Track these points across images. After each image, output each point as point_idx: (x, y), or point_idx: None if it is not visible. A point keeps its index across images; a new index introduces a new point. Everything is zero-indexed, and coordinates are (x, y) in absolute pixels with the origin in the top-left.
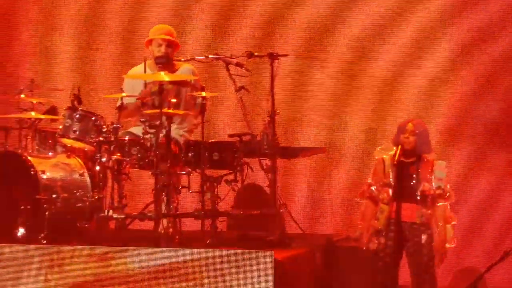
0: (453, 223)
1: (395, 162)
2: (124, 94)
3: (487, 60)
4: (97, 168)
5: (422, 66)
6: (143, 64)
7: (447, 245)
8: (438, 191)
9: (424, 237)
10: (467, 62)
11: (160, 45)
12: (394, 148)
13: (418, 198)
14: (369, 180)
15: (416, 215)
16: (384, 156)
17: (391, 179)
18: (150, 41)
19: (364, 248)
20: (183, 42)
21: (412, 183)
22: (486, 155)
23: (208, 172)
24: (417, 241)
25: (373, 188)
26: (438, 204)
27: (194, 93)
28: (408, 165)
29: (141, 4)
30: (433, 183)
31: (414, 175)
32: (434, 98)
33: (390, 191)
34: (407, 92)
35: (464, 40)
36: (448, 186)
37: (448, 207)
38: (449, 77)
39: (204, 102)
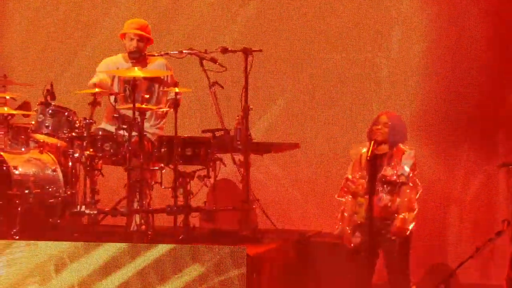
0: (414, 212)
1: (368, 157)
2: (97, 90)
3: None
4: (70, 163)
5: (398, 62)
6: (117, 55)
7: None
8: (401, 178)
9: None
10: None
11: (131, 39)
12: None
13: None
14: (347, 175)
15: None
16: (363, 150)
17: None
18: (124, 35)
19: (352, 245)
20: (157, 37)
21: None
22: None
23: (181, 167)
24: (388, 237)
25: (350, 182)
26: (407, 191)
27: (166, 89)
28: (381, 157)
29: None
30: (398, 170)
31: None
32: (406, 93)
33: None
34: (381, 87)
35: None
36: (411, 174)
37: (416, 196)
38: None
39: (178, 97)
